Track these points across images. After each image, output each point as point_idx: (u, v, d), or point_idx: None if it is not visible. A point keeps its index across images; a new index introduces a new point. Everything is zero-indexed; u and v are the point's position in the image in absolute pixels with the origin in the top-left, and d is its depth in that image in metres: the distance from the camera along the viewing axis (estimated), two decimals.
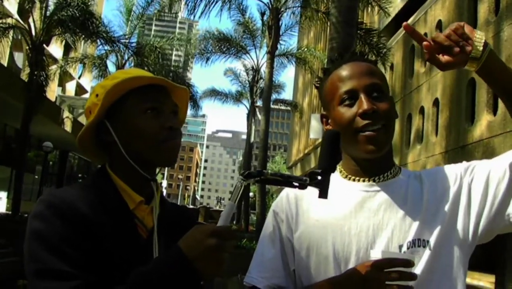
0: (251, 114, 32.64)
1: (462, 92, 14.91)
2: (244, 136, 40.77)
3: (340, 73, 1.33)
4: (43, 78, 17.59)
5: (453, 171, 1.30)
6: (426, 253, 1.23)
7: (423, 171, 1.37)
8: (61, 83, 39.06)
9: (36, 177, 30.74)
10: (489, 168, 1.27)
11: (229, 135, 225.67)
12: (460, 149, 14.39)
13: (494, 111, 13.19)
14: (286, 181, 1.10)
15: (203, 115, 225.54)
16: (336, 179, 1.33)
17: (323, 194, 1.08)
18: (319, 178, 1.08)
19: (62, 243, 1.10)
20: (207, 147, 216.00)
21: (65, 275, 1.07)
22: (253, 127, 33.11)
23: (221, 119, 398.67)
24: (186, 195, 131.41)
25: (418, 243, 1.23)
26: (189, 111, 36.39)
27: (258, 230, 17.58)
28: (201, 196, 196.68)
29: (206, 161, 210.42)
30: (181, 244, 1.06)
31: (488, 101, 13.55)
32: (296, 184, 1.10)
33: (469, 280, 17.23)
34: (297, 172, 34.75)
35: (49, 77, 18.50)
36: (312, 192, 1.10)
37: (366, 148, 1.27)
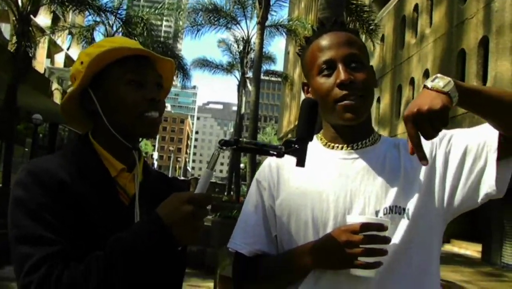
0: (241, 85, 32.51)
1: (452, 63, 14.95)
2: (235, 108, 40.70)
3: (319, 43, 1.34)
4: (30, 49, 17.36)
5: (439, 139, 1.31)
6: (403, 220, 1.25)
7: (401, 139, 1.38)
8: (50, 55, 38.62)
9: (26, 149, 30.56)
10: (467, 142, 1.28)
11: (220, 106, 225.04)
12: (450, 120, 14.50)
13: (484, 82, 13.25)
14: (261, 149, 1.12)
15: (194, 87, 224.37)
16: (316, 146, 1.36)
17: (300, 163, 1.10)
18: (296, 146, 1.09)
19: (42, 210, 1.12)
20: (198, 118, 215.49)
21: (44, 241, 1.09)
22: (244, 98, 33.00)
23: (212, 91, 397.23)
24: (177, 166, 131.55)
25: (395, 210, 1.25)
26: (180, 83, 36.26)
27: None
28: (192, 168, 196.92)
29: (197, 132, 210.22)
30: (159, 210, 1.07)
31: (478, 72, 13.62)
32: (272, 152, 1.11)
33: (456, 249, 17.56)
34: None
35: (36, 47, 18.22)
36: (292, 160, 1.12)
37: (344, 116, 1.28)
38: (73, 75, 1.31)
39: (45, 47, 30.66)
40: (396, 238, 1.23)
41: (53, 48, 38.01)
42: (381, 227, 1.16)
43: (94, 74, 1.26)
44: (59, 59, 41.59)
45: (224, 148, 1.10)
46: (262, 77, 27.77)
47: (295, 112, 39.09)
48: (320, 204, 1.27)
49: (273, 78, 35.51)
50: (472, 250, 16.74)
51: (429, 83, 1.11)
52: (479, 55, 13.57)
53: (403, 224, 1.24)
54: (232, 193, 30.88)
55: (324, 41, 1.33)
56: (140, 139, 1.37)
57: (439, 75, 1.14)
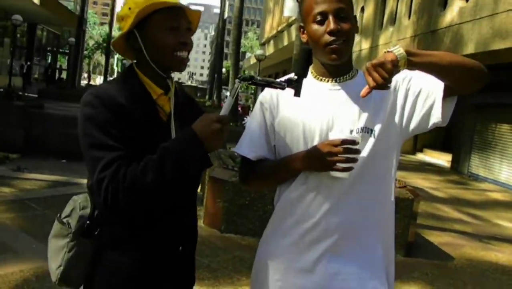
0: None
1: None
2: (217, 10, 39.76)
3: None
4: None
5: (395, 78, 1.64)
6: (370, 138, 1.66)
7: None
8: None
9: (3, 49, 30.03)
10: (422, 83, 1.67)
11: (201, 8, 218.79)
12: (430, 34, 14.69)
13: None
14: (270, 84, 1.53)
15: None
16: (308, 79, 1.71)
17: (297, 94, 1.52)
18: (295, 82, 1.50)
19: (107, 124, 1.47)
20: None
21: (111, 147, 1.45)
22: (227, 2, 32.38)
23: None
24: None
25: (365, 130, 1.65)
26: None
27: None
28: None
29: None
30: (194, 126, 1.46)
31: None
32: (277, 86, 1.52)
33: (428, 158, 18.44)
34: (270, 49, 34.67)
35: None
36: (289, 91, 1.54)
37: (330, 57, 1.64)
38: (121, 16, 1.63)
39: None
40: (365, 151, 1.64)
41: None
42: (353, 142, 1.57)
43: (140, 19, 1.58)
44: None
45: (243, 82, 1.50)
46: None
47: (278, 18, 38.54)
48: (309, 123, 1.67)
49: None
50: (443, 159, 17.57)
51: (389, 49, 1.51)
52: None
53: (371, 141, 1.65)
54: (214, 97, 31.16)
55: None
56: None
57: (397, 45, 1.51)
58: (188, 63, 1.68)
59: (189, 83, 69.68)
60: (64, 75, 41.89)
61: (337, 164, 1.57)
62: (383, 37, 18.72)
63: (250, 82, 1.50)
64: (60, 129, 14.00)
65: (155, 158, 1.45)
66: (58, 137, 13.87)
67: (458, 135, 16.15)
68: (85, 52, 48.39)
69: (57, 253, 1.61)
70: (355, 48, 21.58)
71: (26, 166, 8.62)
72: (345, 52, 1.66)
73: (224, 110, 1.50)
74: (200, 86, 66.48)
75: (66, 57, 45.07)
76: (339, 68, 1.71)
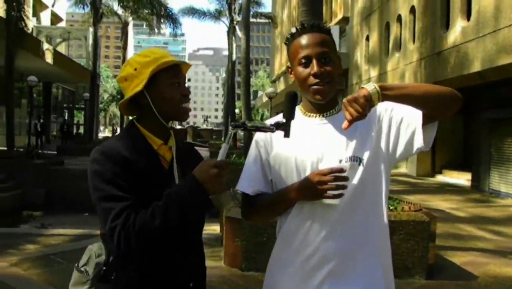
0: (231, 32, 32.44)
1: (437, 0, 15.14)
2: (226, 52, 40.58)
3: (300, 41, 1.84)
4: (21, 12, 17.43)
5: (378, 109, 1.82)
6: (359, 166, 1.78)
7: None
8: (35, 13, 38.13)
9: (21, 110, 30.79)
10: (403, 113, 1.80)
11: (211, 52, 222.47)
12: (436, 55, 14.84)
13: (468, 17, 13.53)
14: (260, 129, 1.66)
15: (183, 34, 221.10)
16: (298, 116, 1.87)
17: (287, 135, 1.66)
18: (283, 125, 1.64)
19: (114, 177, 1.62)
20: None
21: (120, 198, 1.59)
22: (234, 44, 33.00)
23: (202, 37, 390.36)
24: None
25: (354, 159, 1.77)
26: (168, 31, 35.92)
27: (245, 145, 18.30)
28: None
29: (189, 80, 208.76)
30: (194, 172, 1.60)
31: (462, 7, 13.86)
32: (267, 130, 1.66)
33: (448, 179, 18.28)
34: (281, 86, 35.06)
35: (25, 12, 18.26)
36: (279, 133, 1.67)
37: (315, 97, 1.81)
38: (125, 77, 1.80)
39: (30, 6, 30.37)
40: (355, 179, 1.76)
41: (38, 6, 37.58)
42: (341, 170, 1.70)
43: (149, 78, 1.76)
44: (45, 17, 41.13)
45: (236, 129, 1.64)
46: (251, 19, 27.75)
47: (286, 54, 39.08)
48: (301, 156, 1.80)
49: (261, 20, 35.28)
50: (463, 178, 17.42)
51: (363, 85, 1.67)
52: None
53: (360, 169, 1.77)
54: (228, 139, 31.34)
55: (304, 40, 1.83)
56: None
57: (370, 83, 1.66)
58: (202, 107, 1.85)
59: (204, 126, 70.43)
60: (81, 130, 42.71)
61: (328, 192, 1.69)
62: (391, 64, 18.92)
63: (243, 128, 1.63)
64: (81, 184, 14.28)
65: (161, 204, 1.60)
66: (79, 191, 14.13)
67: (476, 153, 16.07)
68: (101, 105, 49.37)
69: None
70: (364, 77, 21.79)
71: (49, 222, 8.80)
72: (328, 92, 1.81)
73: (221, 156, 1.64)
74: (216, 128, 67.16)
75: (82, 112, 45.99)
76: (324, 105, 1.86)
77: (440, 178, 19.04)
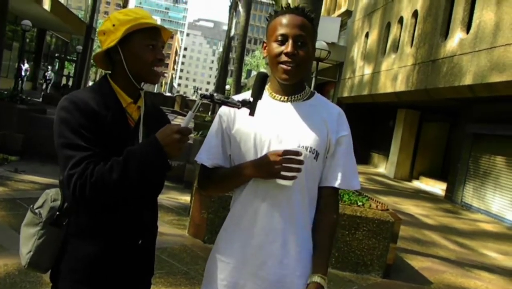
0: (233, 7, 32.21)
1: (440, 7, 15.15)
2: (226, 27, 40.26)
3: (281, 19, 1.88)
4: None
5: (340, 129, 1.90)
6: (313, 160, 1.84)
7: (335, 108, 1.97)
8: None
9: (12, 53, 30.37)
10: (339, 153, 1.90)
11: (211, 24, 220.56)
12: (431, 63, 14.91)
13: (468, 29, 13.58)
14: (226, 103, 1.69)
15: (185, 2, 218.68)
16: (264, 95, 1.90)
17: (251, 114, 1.70)
18: (250, 103, 1.68)
19: (79, 127, 1.65)
20: (187, 35, 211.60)
21: (82, 147, 1.63)
22: (235, 20, 32.81)
23: (204, 8, 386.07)
24: (163, 82, 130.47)
25: (310, 150, 1.83)
26: None
27: None
28: (179, 84, 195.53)
29: (185, 49, 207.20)
30: (157, 135, 1.63)
31: (464, 19, 13.90)
32: (234, 105, 1.69)
33: (424, 186, 18.51)
34: None
35: None
36: (245, 111, 1.72)
37: (281, 76, 1.83)
38: (103, 31, 1.83)
39: None
40: (309, 169, 1.82)
41: None
42: (297, 153, 1.74)
43: (123, 36, 1.78)
44: None
45: (203, 99, 1.68)
46: None
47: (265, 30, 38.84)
48: (260, 135, 1.84)
49: (265, 0, 35.00)
50: (438, 187, 17.64)
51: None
52: (466, 3, 13.79)
53: (313, 161, 1.84)
54: (215, 113, 31.34)
55: (285, 19, 1.86)
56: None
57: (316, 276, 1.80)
58: (194, 78, 1.88)
59: (193, 97, 70.07)
60: (70, 82, 42.26)
61: (281, 172, 1.73)
62: (385, 64, 18.95)
63: (210, 100, 1.67)
64: None
65: (120, 160, 1.63)
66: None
67: (454, 164, 16.27)
68: (92, 61, 48.82)
69: (28, 240, 1.77)
70: (358, 73, 21.84)
71: (23, 168, 8.77)
72: (295, 75, 1.85)
73: (185, 122, 1.67)
74: (204, 101, 66.78)
75: (73, 65, 45.47)
76: (290, 87, 1.90)
77: (417, 184, 19.27)
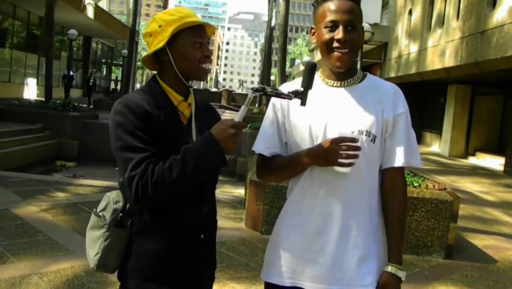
0: None
1: None
2: (266, 18, 40.20)
3: (329, 5, 1.85)
4: None
5: (396, 107, 1.87)
6: (371, 143, 1.82)
7: (391, 86, 1.94)
8: None
9: (61, 63, 31.37)
10: (397, 131, 1.87)
11: (251, 17, 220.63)
12: (479, 34, 14.41)
13: None
14: (279, 95, 1.70)
15: None
16: (317, 81, 1.89)
17: (303, 104, 1.70)
18: (301, 93, 1.68)
19: (135, 129, 1.69)
20: (229, 29, 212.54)
21: (140, 149, 1.67)
22: (274, 10, 32.70)
23: (242, 1, 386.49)
24: (208, 77, 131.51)
25: (367, 133, 1.81)
26: None
27: None
28: (224, 79, 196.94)
29: (227, 43, 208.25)
30: (212, 131, 1.66)
31: None
32: (286, 97, 1.70)
33: (481, 162, 17.97)
34: (318, 55, 34.55)
35: None
36: (296, 101, 1.72)
37: (335, 63, 1.82)
38: (149, 33, 1.86)
39: None
40: (366, 154, 1.80)
41: None
42: (353, 140, 1.73)
43: (171, 36, 1.81)
44: None
45: (255, 92, 1.68)
46: None
47: (312, 15, 38.39)
48: (315, 122, 1.83)
49: None
50: (496, 163, 17.10)
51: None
52: None
53: (371, 145, 1.81)
54: (262, 105, 31.43)
55: (333, 5, 1.83)
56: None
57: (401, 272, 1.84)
58: (239, 71, 1.89)
59: (239, 91, 70.45)
60: (118, 86, 43.29)
61: (338, 160, 1.72)
62: (432, 40, 18.47)
63: (262, 93, 1.67)
64: None
65: (178, 158, 1.66)
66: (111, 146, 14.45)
67: (511, 137, 15.71)
68: (138, 63, 49.79)
69: (94, 242, 1.83)
70: (404, 52, 21.38)
71: (81, 173, 9.07)
72: (348, 61, 1.83)
73: (239, 117, 1.68)
74: (256, 94, 66.94)
75: (120, 69, 46.53)
76: (343, 73, 1.88)
77: (473, 160, 18.74)
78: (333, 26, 1.81)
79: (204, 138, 1.68)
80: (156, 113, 1.77)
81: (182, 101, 1.89)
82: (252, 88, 1.68)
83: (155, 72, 1.94)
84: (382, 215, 1.90)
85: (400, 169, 1.89)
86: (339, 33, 1.79)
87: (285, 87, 1.82)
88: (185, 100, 1.90)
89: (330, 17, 1.81)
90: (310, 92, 1.70)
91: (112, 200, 1.83)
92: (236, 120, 1.68)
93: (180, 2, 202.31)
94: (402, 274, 1.81)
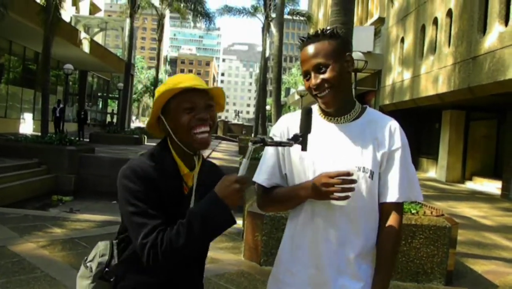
0: (265, 28, 32.49)
1: (475, 3, 14.86)
2: (260, 48, 40.65)
3: (302, 54, 1.92)
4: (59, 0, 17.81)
5: (392, 142, 1.88)
6: (369, 179, 1.85)
7: (388, 123, 1.94)
8: (75, 3, 38.84)
9: (56, 97, 31.49)
10: (393, 167, 1.88)
11: (245, 48, 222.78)
12: (471, 60, 14.59)
13: (506, 22, 13.25)
14: (279, 144, 1.71)
15: (218, 29, 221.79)
16: (316, 116, 1.92)
17: (304, 148, 1.71)
18: (300, 139, 1.70)
19: (144, 196, 1.68)
20: (223, 60, 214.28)
21: (150, 215, 1.67)
22: (268, 41, 33.07)
23: (237, 32, 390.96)
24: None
25: (364, 170, 1.84)
26: (204, 25, 36.28)
27: None
28: None
29: (222, 74, 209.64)
30: (216, 189, 1.65)
31: (500, 12, 13.56)
32: (286, 144, 1.71)
33: (478, 186, 17.97)
34: None
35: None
36: (297, 146, 1.73)
37: (322, 105, 1.88)
38: (154, 103, 1.86)
39: None
40: (363, 189, 1.83)
41: None
42: (348, 173, 1.75)
43: (163, 105, 1.81)
44: (84, 7, 41.84)
45: (255, 144, 1.68)
46: (286, 16, 27.77)
47: None
48: (314, 157, 1.87)
49: (297, 18, 35.18)
50: (494, 186, 17.11)
51: None
52: None
53: (369, 181, 1.84)
54: (258, 134, 31.52)
55: (302, 55, 1.91)
56: None
57: None
58: (234, 101, 1.88)
59: (235, 121, 70.69)
60: (115, 119, 43.40)
61: (334, 193, 1.75)
62: (425, 67, 18.67)
63: (262, 144, 1.68)
64: (110, 172, 14.61)
65: (185, 222, 1.65)
66: (109, 179, 14.46)
67: (507, 161, 15.77)
68: (134, 96, 50.01)
69: None
70: (398, 79, 21.58)
71: (78, 207, 9.03)
72: (333, 98, 1.86)
73: (241, 171, 1.69)
74: (247, 124, 67.33)
75: (116, 102, 46.73)
76: (337, 110, 1.91)
77: (470, 185, 18.75)
78: (307, 75, 1.89)
79: (208, 198, 1.66)
80: (161, 182, 1.76)
81: (188, 172, 1.86)
82: (251, 141, 1.68)
83: (150, 103, 1.93)
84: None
85: (395, 204, 1.89)
86: (311, 81, 1.86)
87: (277, 129, 1.94)
88: (191, 170, 1.87)
89: (303, 67, 1.90)
90: (313, 128, 1.73)
91: (99, 252, 1.85)
92: (239, 174, 1.66)
93: (175, 35, 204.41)
94: None
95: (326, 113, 1.93)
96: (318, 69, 1.85)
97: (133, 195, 1.70)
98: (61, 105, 26.22)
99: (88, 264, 1.84)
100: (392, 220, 1.89)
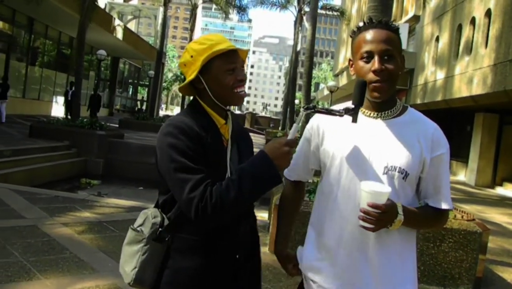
0: (297, 22, 32.31)
1: None
2: (291, 42, 40.53)
3: (365, 36, 1.82)
4: None
5: (436, 147, 1.81)
6: (402, 181, 1.78)
7: (432, 126, 1.87)
8: None
9: (88, 82, 31.89)
10: (437, 173, 1.83)
11: (276, 41, 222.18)
12: (509, 62, 14.26)
13: None
14: (330, 112, 1.73)
15: (249, 21, 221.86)
16: None
17: (354, 120, 1.72)
18: (352, 110, 1.71)
19: (188, 150, 1.71)
20: (254, 52, 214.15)
21: (194, 170, 1.69)
22: (300, 34, 32.89)
23: (268, 25, 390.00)
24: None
25: (398, 170, 1.77)
26: (235, 16, 36.28)
27: None
28: (247, 102, 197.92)
29: (252, 66, 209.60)
30: (265, 149, 1.71)
31: None
32: (336, 113, 1.72)
33: (508, 192, 17.59)
34: (343, 80, 34.60)
35: None
36: (332, 123, 1.81)
37: (372, 94, 1.79)
38: (183, 63, 1.89)
39: None
40: (395, 191, 1.76)
41: None
42: (383, 208, 1.67)
43: (203, 65, 1.83)
44: None
45: (307, 110, 1.72)
46: (319, 11, 27.56)
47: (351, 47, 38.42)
48: (348, 155, 1.82)
49: (330, 12, 34.84)
50: None
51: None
52: None
53: (402, 182, 1.78)
54: (286, 128, 31.46)
55: (369, 35, 1.81)
56: None
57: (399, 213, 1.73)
58: (262, 94, 1.90)
59: (263, 114, 70.70)
60: (144, 106, 43.83)
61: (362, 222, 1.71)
62: (459, 67, 18.33)
63: (313, 110, 1.71)
64: (138, 158, 14.77)
65: (235, 178, 1.68)
66: (137, 165, 14.61)
67: None
68: (164, 84, 50.33)
69: (131, 257, 1.84)
70: (430, 79, 21.24)
71: (106, 191, 9.12)
72: (386, 91, 1.79)
73: (291, 135, 1.73)
74: (274, 117, 67.21)
75: (146, 89, 47.16)
76: (381, 104, 1.85)
77: (500, 191, 18.38)
78: (369, 57, 1.79)
79: (259, 157, 1.71)
80: (204, 135, 1.80)
81: (224, 124, 1.92)
82: (303, 107, 1.72)
83: (181, 94, 1.97)
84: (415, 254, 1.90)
85: (445, 211, 1.87)
86: (374, 64, 1.77)
87: (309, 124, 1.94)
88: (226, 123, 1.93)
89: (365, 48, 1.80)
90: (348, 123, 1.73)
91: (151, 215, 1.85)
92: (288, 138, 1.72)
93: (206, 25, 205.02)
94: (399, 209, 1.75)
95: (367, 108, 1.87)
96: (384, 56, 1.78)
97: (177, 151, 1.72)
98: (73, 89, 25.73)
99: (138, 228, 1.84)
100: (444, 216, 1.91)
